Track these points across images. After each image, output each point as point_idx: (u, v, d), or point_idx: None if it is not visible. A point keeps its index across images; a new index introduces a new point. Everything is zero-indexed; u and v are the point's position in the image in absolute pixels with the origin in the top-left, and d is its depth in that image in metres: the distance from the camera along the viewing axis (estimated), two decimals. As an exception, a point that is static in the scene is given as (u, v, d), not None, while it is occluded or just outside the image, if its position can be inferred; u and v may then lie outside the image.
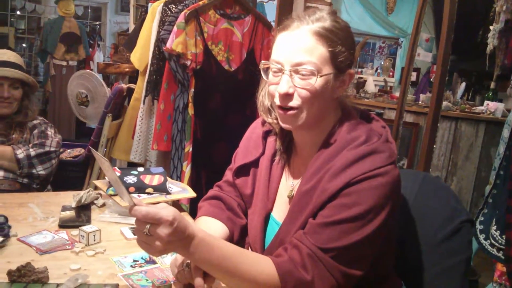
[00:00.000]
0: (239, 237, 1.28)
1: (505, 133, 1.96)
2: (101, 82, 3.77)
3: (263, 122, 1.29)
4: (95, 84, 3.76)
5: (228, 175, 1.33)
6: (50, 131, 2.33)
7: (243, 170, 1.27)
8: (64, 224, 1.48)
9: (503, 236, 1.78)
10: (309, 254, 1.00)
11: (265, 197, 1.21)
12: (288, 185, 1.21)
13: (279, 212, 1.20)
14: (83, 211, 1.59)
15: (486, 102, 4.35)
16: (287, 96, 1.07)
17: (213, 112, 2.37)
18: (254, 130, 1.31)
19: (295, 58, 1.05)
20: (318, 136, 1.14)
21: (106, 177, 1.69)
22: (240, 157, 1.29)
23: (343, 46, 1.08)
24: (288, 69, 1.06)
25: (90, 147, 1.25)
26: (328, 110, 1.13)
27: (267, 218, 1.21)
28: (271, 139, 1.25)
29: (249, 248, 1.27)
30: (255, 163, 1.26)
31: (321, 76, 1.05)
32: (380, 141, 1.07)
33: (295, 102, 1.07)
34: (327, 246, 1.00)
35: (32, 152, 2.19)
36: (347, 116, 1.14)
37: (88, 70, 4.04)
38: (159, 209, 0.92)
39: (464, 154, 4.06)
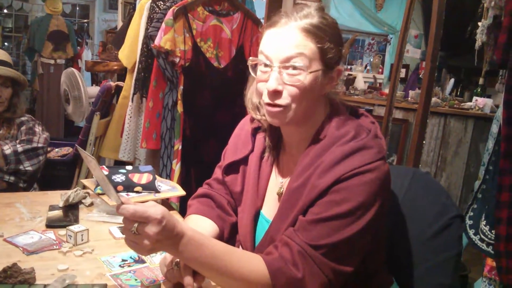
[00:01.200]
0: (229, 235, 1.27)
1: (494, 128, 1.97)
2: (79, 82, 3.79)
3: (252, 119, 1.28)
4: (72, 83, 3.77)
5: (218, 172, 1.33)
6: (38, 128, 2.31)
7: (232, 168, 1.27)
8: (52, 224, 1.45)
9: (492, 231, 1.78)
10: (300, 251, 1.00)
11: (254, 194, 1.20)
12: (277, 182, 1.20)
13: (269, 209, 1.19)
14: (70, 211, 1.57)
15: (474, 98, 4.38)
16: (276, 93, 1.06)
17: (203, 109, 2.36)
18: (243, 127, 1.30)
19: (284, 54, 1.05)
20: (306, 132, 1.13)
21: (93, 176, 1.68)
22: (230, 154, 1.28)
23: (332, 42, 1.08)
24: (277, 65, 1.05)
25: (77, 145, 1.23)
26: (317, 107, 1.12)
27: (257, 215, 1.21)
28: (260, 136, 1.25)
29: (240, 246, 1.26)
30: (244, 160, 1.25)
31: (310, 72, 1.05)
32: (369, 136, 1.07)
33: (283, 100, 1.06)
34: (317, 243, 0.99)
35: (20, 148, 2.17)
36: (336, 112, 1.14)
37: (72, 69, 4.03)
38: (147, 207, 0.91)
39: (453, 150, 4.08)
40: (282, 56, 1.05)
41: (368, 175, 1.01)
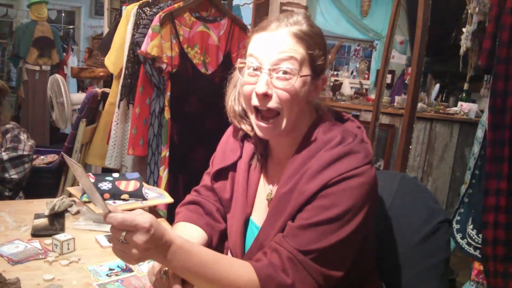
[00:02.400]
0: (218, 242, 1.26)
1: (479, 133, 1.99)
2: (62, 90, 3.76)
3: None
4: (55, 90, 3.75)
5: (206, 179, 1.32)
6: (23, 136, 2.29)
7: (221, 174, 1.26)
8: (37, 233, 1.44)
9: (479, 235, 1.80)
10: (289, 257, 0.99)
11: (243, 201, 1.20)
12: (266, 188, 1.20)
13: (259, 216, 1.19)
14: (56, 219, 1.55)
15: (460, 103, 4.42)
16: (265, 97, 1.06)
17: (190, 115, 2.35)
18: (231, 133, 1.30)
19: (275, 57, 1.05)
20: (294, 139, 1.13)
21: (80, 184, 1.66)
22: (218, 161, 1.28)
23: (320, 50, 1.09)
24: (267, 68, 1.05)
25: (63, 153, 1.21)
26: (304, 114, 1.13)
27: (246, 222, 1.20)
28: (247, 143, 1.24)
29: (229, 253, 1.25)
30: (233, 167, 1.25)
31: (301, 77, 1.05)
32: (356, 141, 1.07)
33: (273, 104, 1.06)
34: (306, 248, 0.99)
35: (5, 156, 2.15)
36: (322, 118, 1.14)
37: (56, 75, 3.99)
38: (135, 216, 0.90)
39: (439, 155, 4.12)
40: (273, 59, 1.05)
41: (356, 180, 1.01)
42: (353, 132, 1.11)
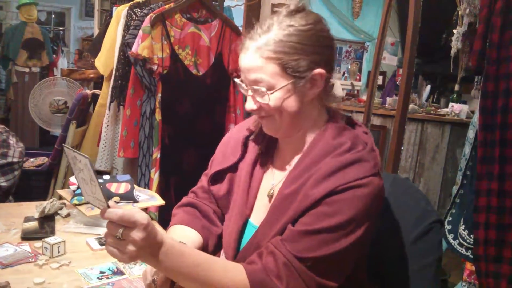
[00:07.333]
0: (215, 246, 1.24)
1: (470, 134, 2.00)
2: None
3: (241, 128, 1.27)
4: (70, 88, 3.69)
5: (204, 180, 1.30)
6: (12, 140, 2.25)
7: (219, 176, 1.24)
8: (27, 236, 1.42)
9: (471, 236, 1.80)
10: (285, 263, 0.98)
11: (243, 203, 1.18)
12: (269, 186, 1.18)
13: (258, 216, 1.16)
14: (46, 222, 1.54)
15: (451, 104, 4.43)
16: (254, 111, 1.10)
17: (181, 117, 2.34)
18: (232, 135, 1.28)
19: (249, 78, 1.07)
20: (301, 139, 1.13)
21: (74, 177, 1.63)
22: (217, 163, 1.26)
23: (297, 50, 1.04)
24: (248, 86, 1.09)
25: (64, 145, 1.17)
26: (307, 113, 1.11)
27: (244, 224, 1.18)
28: (252, 144, 1.23)
29: (222, 254, 1.24)
30: (233, 169, 1.23)
31: (275, 91, 1.05)
32: (366, 150, 1.06)
33: (262, 113, 1.09)
34: (304, 255, 0.98)
35: (-7, 163, 2.11)
36: (333, 120, 1.13)
37: (58, 76, 3.95)
38: (134, 212, 0.89)
39: (430, 156, 4.13)
40: (247, 79, 1.08)
41: (362, 190, 1.00)
42: (363, 140, 1.09)
